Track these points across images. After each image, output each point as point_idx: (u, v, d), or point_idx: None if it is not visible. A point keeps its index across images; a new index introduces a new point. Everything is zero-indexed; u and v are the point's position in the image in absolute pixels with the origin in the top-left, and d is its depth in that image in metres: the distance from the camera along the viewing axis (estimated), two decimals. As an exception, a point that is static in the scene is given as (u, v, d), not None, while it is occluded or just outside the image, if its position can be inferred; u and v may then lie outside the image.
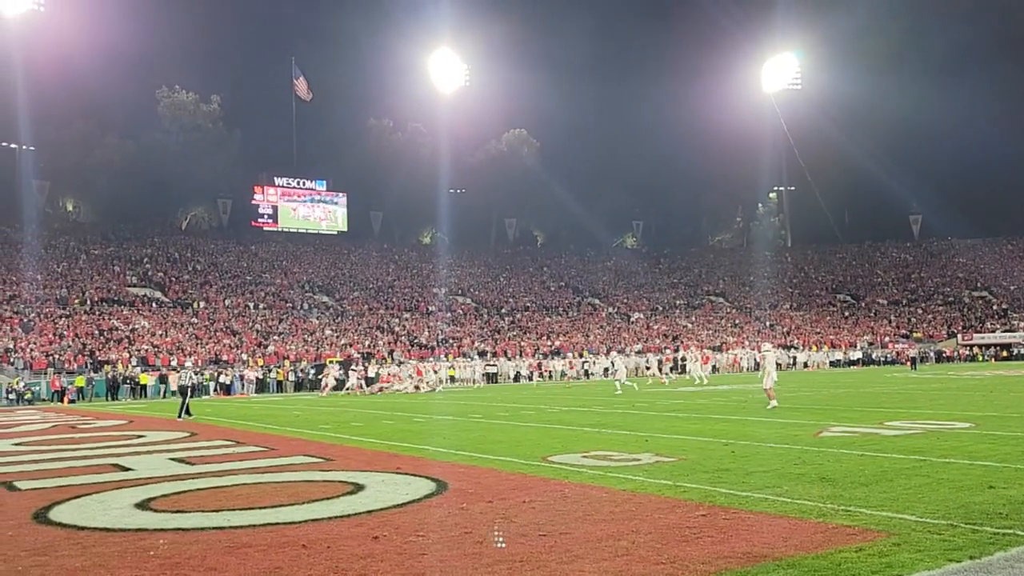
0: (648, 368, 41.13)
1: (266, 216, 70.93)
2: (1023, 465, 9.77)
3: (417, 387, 37.16)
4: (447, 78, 77.01)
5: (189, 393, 23.13)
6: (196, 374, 30.27)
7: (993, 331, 61.28)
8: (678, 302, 72.33)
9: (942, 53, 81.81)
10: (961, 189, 79.72)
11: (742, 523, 7.10)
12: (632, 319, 66.77)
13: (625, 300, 71.63)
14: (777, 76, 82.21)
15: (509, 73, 76.97)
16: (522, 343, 56.44)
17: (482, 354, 51.96)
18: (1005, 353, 56.34)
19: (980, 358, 57.06)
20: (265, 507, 8.44)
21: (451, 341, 55.09)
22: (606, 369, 48.98)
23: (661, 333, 62.79)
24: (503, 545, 6.40)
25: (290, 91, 74.64)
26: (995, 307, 67.77)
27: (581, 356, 51.69)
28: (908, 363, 47.83)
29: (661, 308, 70.31)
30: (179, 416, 21.72)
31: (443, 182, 76.02)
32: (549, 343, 57.10)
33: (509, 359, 49.59)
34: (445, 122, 75.76)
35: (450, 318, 60.64)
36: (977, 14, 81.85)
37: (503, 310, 65.19)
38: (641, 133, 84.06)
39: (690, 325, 65.87)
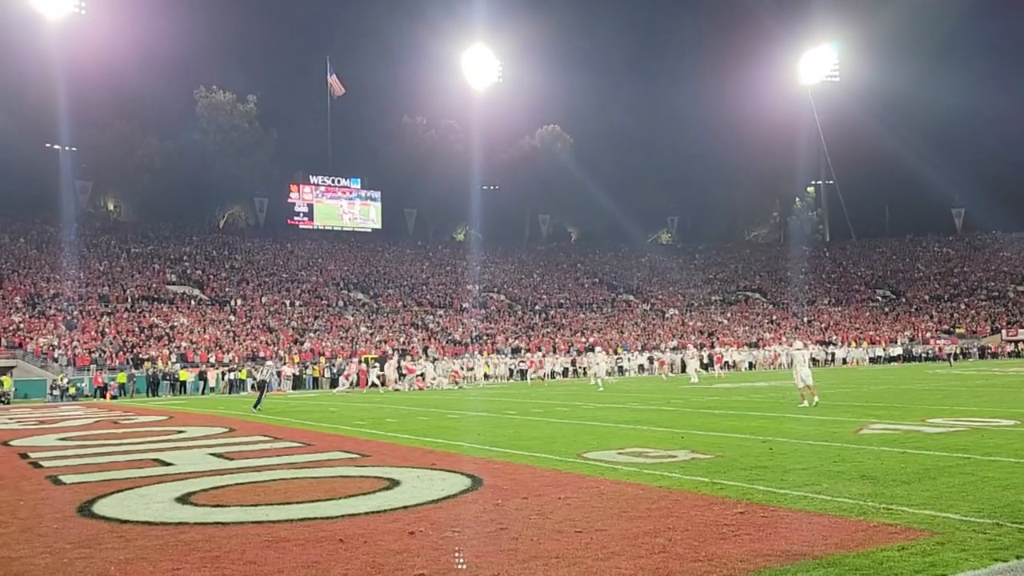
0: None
1: (302, 214, 71.65)
2: (1072, 463, 9.53)
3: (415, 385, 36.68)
4: (480, 75, 77.12)
5: (265, 388, 25.44)
6: (274, 370, 31.59)
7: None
8: (714, 298, 71.72)
9: (985, 43, 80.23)
10: (1005, 181, 77.93)
11: (781, 521, 7.02)
12: (667, 315, 66.34)
13: (660, 296, 71.18)
14: (815, 68, 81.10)
15: (542, 69, 76.91)
16: (556, 340, 56.37)
17: (516, 351, 51.97)
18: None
19: (1025, 354, 55.79)
20: (302, 502, 8.52)
21: (484, 338, 55.19)
22: (641, 366, 48.78)
23: (696, 329, 62.30)
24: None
25: (325, 90, 75.28)
26: (1041, 302, 66.18)
27: (616, 353, 51.49)
28: (948, 359, 46.89)
29: (696, 304, 69.76)
30: (255, 408, 23.79)
31: (476, 179, 76.21)
32: (583, 340, 56.95)
33: (544, 356, 49.55)
34: (478, 119, 75.92)
35: (483, 315, 60.75)
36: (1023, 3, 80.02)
37: (537, 307, 65.15)
38: (676, 128, 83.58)
39: (726, 321, 65.28)
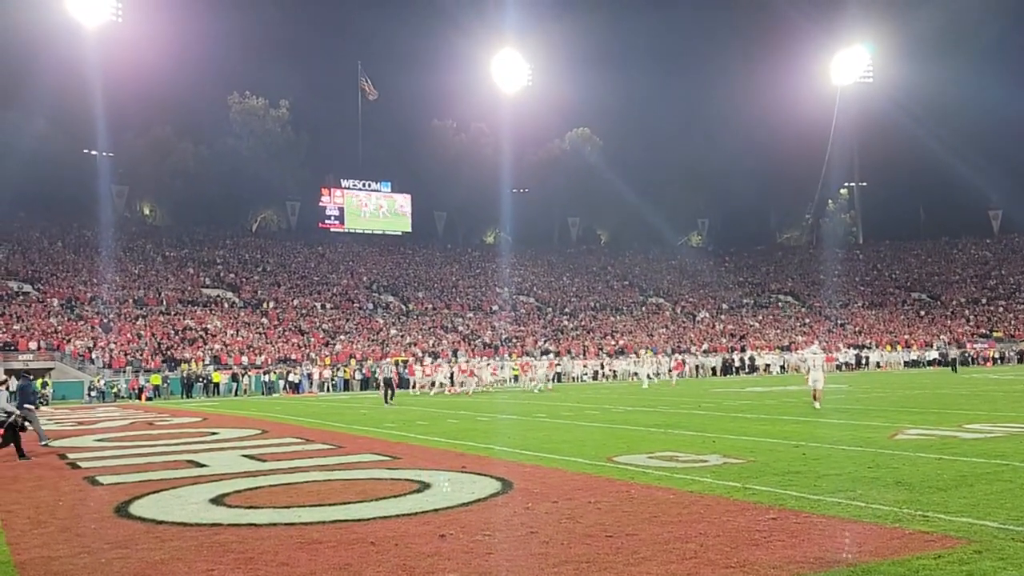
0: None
1: (333, 218, 72.22)
2: (1114, 471, 9.32)
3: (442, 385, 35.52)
4: (510, 78, 77.20)
5: (392, 384, 28.07)
6: (393, 367, 32.16)
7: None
8: (745, 301, 71.11)
9: (1022, 43, 78.76)
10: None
11: (814, 527, 6.95)
12: (698, 318, 65.91)
13: (691, 299, 70.75)
14: (847, 69, 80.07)
15: (572, 72, 76.78)
16: (586, 343, 56.25)
17: (545, 353, 51.92)
18: None
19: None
20: (334, 504, 8.60)
21: (515, 340, 55.22)
22: (670, 369, 48.41)
23: (728, 332, 61.83)
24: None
25: (356, 94, 75.85)
26: (1082, 305, 64.72)
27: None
28: (951, 364, 45.46)
29: (727, 307, 69.23)
30: (385, 403, 26.64)
31: (506, 182, 76.33)
32: (613, 342, 56.77)
33: (574, 358, 49.49)
34: (508, 122, 76.00)
35: (513, 317, 60.79)
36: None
37: (567, 310, 65.08)
38: (707, 129, 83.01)
39: (757, 324, 64.70)
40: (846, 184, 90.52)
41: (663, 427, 16.42)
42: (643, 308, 67.84)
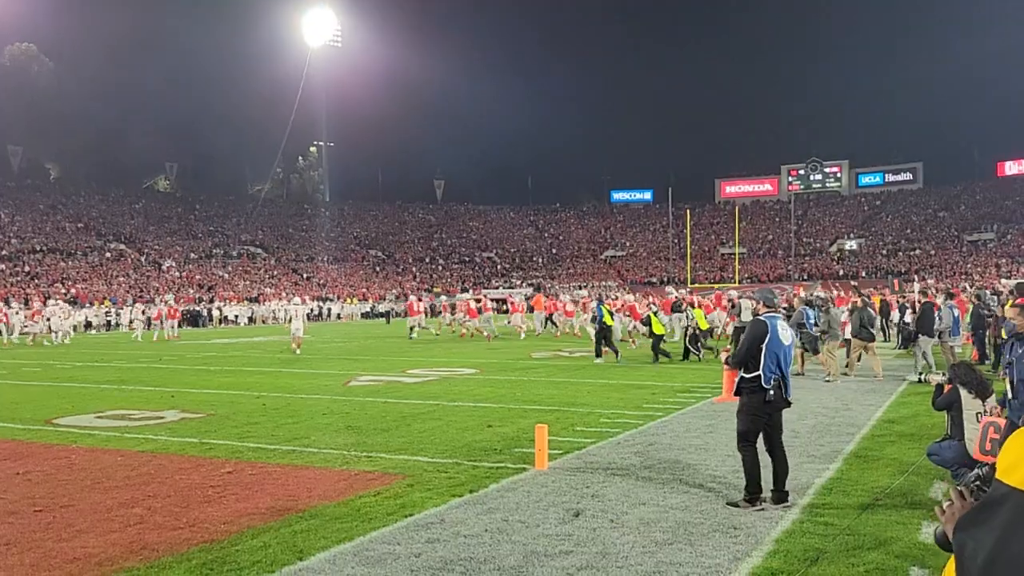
0: None
1: None
2: (515, 405, 11.34)
3: None
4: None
5: None
6: None
7: (497, 288, 70.09)
8: (215, 251, 69.47)
9: (476, 33, 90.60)
10: (478, 160, 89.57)
11: (268, 477, 7.08)
12: (164, 267, 62.45)
13: (156, 247, 66.62)
14: (318, 31, 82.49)
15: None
16: (28, 290, 49.29)
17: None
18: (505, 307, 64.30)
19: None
20: None
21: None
22: (131, 321, 45.19)
23: (196, 283, 59.83)
24: None
25: None
26: (499, 266, 77.61)
27: (104, 305, 46.91)
28: (385, 317, 52.08)
29: (196, 256, 66.87)
30: None
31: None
32: (64, 291, 50.73)
33: (12, 308, 42.90)
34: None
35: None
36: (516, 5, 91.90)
37: (4, 252, 56.21)
38: (178, 69, 78.58)
39: (227, 276, 63.83)
40: (315, 143, 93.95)
41: (117, 383, 15.25)
42: (101, 254, 61.86)
